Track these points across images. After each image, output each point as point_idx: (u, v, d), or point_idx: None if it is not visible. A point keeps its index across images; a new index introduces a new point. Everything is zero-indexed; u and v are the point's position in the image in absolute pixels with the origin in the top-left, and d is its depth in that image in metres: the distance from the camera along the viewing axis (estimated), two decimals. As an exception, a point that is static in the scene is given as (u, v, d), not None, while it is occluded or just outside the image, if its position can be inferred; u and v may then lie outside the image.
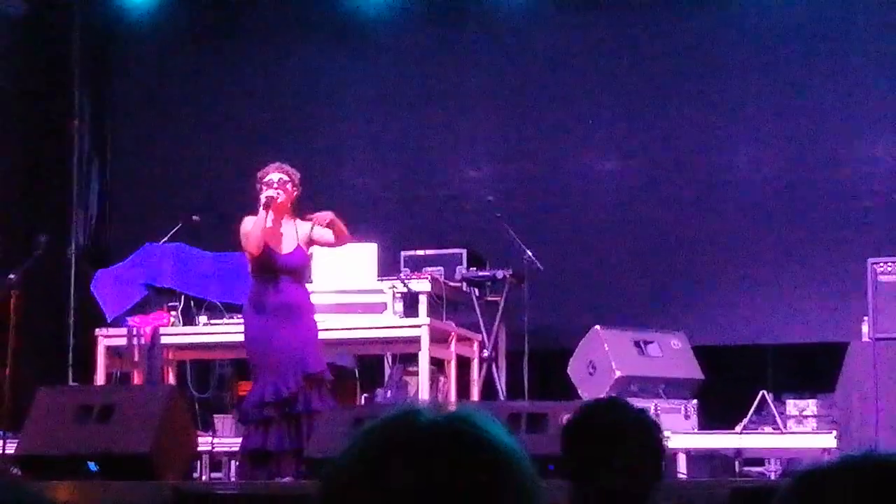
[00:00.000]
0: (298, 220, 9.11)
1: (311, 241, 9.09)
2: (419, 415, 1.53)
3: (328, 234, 9.03)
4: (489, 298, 11.33)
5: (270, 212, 8.96)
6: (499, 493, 1.48)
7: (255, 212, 9.03)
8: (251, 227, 8.98)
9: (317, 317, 9.22)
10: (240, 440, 10.70)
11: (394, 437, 1.51)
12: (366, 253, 10.33)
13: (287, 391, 8.78)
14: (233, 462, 10.96)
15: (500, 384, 10.95)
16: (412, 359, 10.56)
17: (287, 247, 9.03)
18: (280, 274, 8.99)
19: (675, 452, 9.83)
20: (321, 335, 9.18)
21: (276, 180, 9.04)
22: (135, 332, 10.44)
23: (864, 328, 9.59)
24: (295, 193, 9.10)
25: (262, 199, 8.97)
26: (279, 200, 8.99)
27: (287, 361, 8.80)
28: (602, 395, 10.20)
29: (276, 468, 8.81)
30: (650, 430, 3.73)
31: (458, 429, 1.51)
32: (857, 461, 1.59)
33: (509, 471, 1.50)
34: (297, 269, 9.10)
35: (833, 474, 1.59)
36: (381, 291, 10.15)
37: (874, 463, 1.58)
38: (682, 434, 10.17)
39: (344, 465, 1.52)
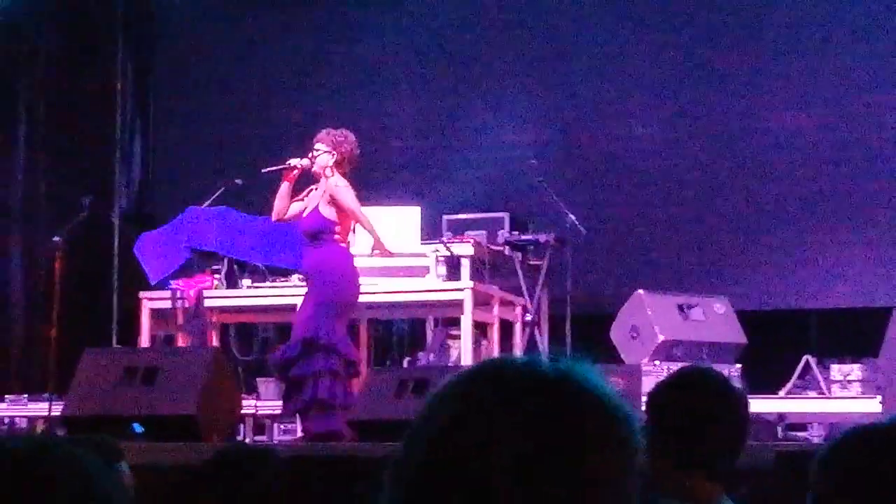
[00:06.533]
0: (335, 179, 9.06)
1: (331, 199, 9.02)
2: (536, 363, 1.51)
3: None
4: (532, 262, 11.30)
5: (285, 182, 9.08)
6: (600, 444, 1.47)
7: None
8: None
9: (360, 279, 9.21)
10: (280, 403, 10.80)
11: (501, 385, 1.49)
12: (409, 217, 10.33)
13: (288, 353, 8.98)
14: (276, 425, 11.00)
15: (543, 348, 10.94)
16: (455, 322, 10.57)
17: (307, 211, 9.09)
18: (304, 239, 9.14)
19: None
20: (365, 298, 9.26)
21: (314, 149, 9.13)
22: (179, 295, 10.47)
23: (910, 293, 9.52)
24: (331, 158, 9.04)
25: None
26: (299, 167, 9.05)
27: (297, 327, 9.00)
28: (645, 360, 10.18)
29: None
30: (737, 407, 3.57)
31: (567, 378, 1.50)
32: None
33: (614, 424, 1.49)
34: (311, 233, 9.07)
35: (877, 434, 1.58)
36: (423, 255, 10.14)
37: None
38: (726, 398, 10.11)
39: (438, 413, 1.49)
